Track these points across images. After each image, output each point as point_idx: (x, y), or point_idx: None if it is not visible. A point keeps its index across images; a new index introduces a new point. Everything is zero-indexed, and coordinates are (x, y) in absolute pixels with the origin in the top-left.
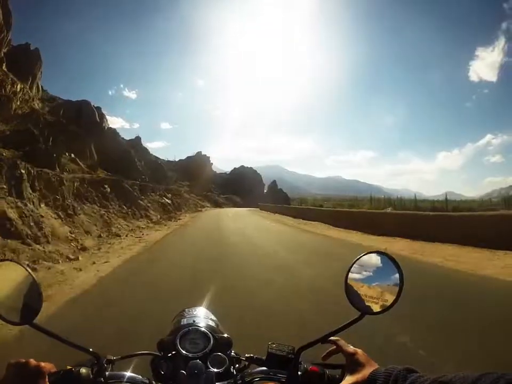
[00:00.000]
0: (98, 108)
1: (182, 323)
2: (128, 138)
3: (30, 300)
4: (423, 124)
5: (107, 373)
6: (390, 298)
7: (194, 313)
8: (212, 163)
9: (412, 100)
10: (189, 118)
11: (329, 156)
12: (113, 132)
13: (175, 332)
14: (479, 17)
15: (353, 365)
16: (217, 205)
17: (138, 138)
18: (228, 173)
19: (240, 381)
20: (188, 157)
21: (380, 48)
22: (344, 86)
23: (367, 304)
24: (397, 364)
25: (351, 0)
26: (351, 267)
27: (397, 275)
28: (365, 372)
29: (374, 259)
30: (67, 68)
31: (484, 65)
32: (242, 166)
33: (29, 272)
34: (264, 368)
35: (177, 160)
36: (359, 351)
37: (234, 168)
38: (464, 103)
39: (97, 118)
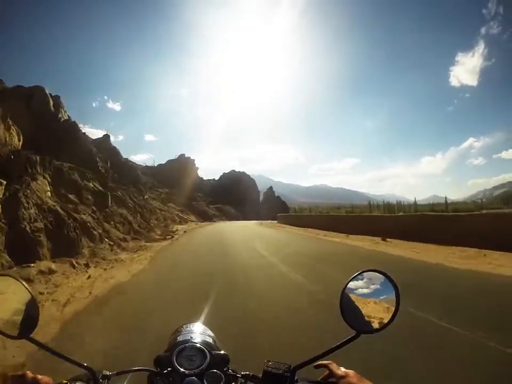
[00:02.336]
0: (57, 97)
1: (178, 339)
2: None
3: (28, 315)
4: (406, 129)
5: None
6: (385, 317)
7: (192, 329)
8: (198, 167)
9: (394, 106)
10: (172, 130)
11: (313, 165)
12: (72, 125)
13: (171, 348)
14: (459, 23)
15: None
16: (206, 217)
17: (106, 137)
18: (216, 179)
19: None
20: (169, 161)
21: (361, 56)
22: (326, 94)
23: (362, 322)
24: None
25: (332, 8)
26: (346, 285)
27: (393, 293)
28: None
29: (370, 277)
30: (48, 79)
31: (465, 70)
32: (233, 170)
33: (26, 288)
34: None
35: (156, 165)
36: (350, 372)
37: (224, 173)
38: (446, 108)
39: (52, 108)
